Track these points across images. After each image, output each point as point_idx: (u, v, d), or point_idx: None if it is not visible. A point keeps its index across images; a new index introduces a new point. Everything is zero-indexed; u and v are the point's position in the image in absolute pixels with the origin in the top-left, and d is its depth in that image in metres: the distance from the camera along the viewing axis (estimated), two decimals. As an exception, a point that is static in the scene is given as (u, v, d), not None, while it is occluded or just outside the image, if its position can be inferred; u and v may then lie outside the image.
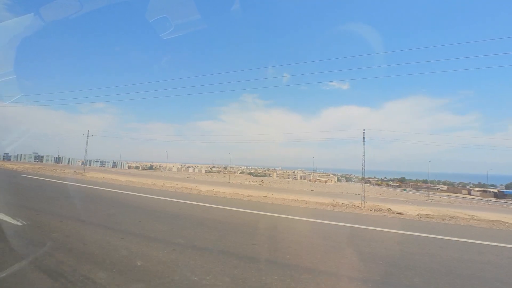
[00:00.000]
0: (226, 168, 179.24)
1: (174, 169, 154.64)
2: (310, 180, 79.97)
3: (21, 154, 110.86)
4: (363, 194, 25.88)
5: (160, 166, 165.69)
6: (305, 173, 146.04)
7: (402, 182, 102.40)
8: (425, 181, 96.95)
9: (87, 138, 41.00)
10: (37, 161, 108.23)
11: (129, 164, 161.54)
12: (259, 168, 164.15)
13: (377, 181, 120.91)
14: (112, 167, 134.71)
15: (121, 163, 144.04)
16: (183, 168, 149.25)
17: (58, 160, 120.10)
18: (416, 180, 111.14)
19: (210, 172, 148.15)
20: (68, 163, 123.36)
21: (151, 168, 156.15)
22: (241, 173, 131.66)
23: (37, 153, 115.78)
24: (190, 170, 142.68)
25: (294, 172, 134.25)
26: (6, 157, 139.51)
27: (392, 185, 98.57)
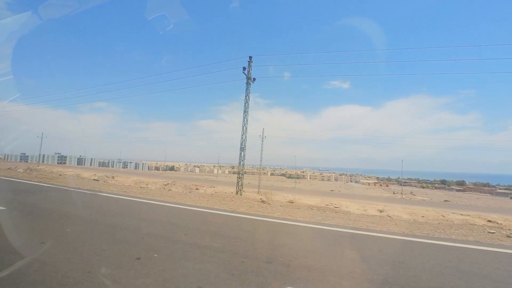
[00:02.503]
0: (233, 167, 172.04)
1: (197, 170, 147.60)
2: (375, 185, 71.79)
3: (43, 155, 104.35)
4: None
5: (165, 166, 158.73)
6: (327, 173, 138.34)
7: (461, 185, 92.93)
8: (485, 185, 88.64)
9: (262, 139, 29.39)
10: (61, 163, 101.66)
11: (148, 164, 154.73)
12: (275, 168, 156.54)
13: (422, 183, 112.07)
14: (135, 168, 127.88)
15: (143, 163, 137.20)
16: (207, 169, 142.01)
17: (80, 161, 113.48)
18: (471, 182, 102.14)
19: (235, 173, 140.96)
20: (91, 165, 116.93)
21: (172, 169, 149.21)
22: (271, 174, 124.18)
23: (60, 153, 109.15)
24: (215, 171, 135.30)
25: (330, 174, 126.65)
26: (24, 158, 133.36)
27: (453, 189, 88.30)
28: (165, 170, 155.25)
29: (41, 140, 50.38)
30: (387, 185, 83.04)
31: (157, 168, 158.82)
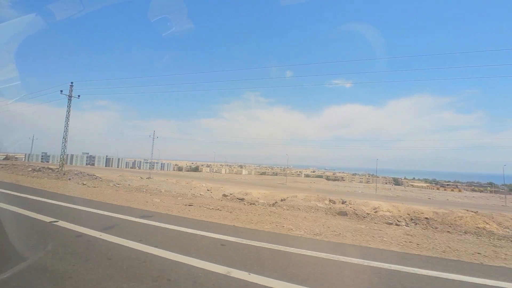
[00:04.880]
0: (241, 167, 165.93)
1: (223, 171, 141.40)
2: (448, 190, 64.58)
3: (71, 155, 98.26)
4: None
5: (189, 167, 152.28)
6: (368, 175, 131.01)
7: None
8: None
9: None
10: (88, 164, 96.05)
11: (172, 164, 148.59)
12: (272, 167, 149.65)
13: (474, 187, 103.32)
14: (161, 169, 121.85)
15: (168, 163, 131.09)
16: (235, 170, 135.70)
17: (107, 161, 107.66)
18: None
19: (262, 174, 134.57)
20: (118, 166, 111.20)
21: (196, 169, 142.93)
22: (306, 176, 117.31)
23: (88, 153, 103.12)
24: (244, 172, 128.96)
25: (369, 176, 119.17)
26: (45, 158, 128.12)
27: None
28: (188, 171, 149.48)
29: (153, 140, 42.30)
30: (460, 190, 75.26)
31: (179, 169, 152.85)
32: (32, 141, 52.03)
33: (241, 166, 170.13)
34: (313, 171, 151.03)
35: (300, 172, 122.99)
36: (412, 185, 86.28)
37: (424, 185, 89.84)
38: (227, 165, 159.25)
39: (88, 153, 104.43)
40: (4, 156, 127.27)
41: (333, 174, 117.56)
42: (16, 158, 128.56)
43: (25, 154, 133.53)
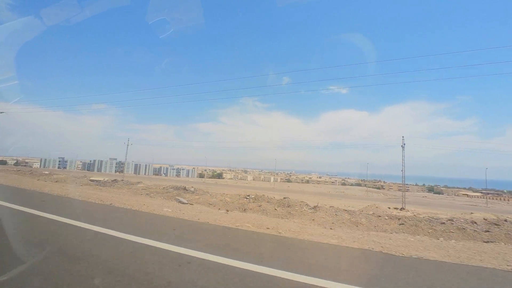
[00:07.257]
0: (246, 172, 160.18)
1: (249, 178, 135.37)
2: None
3: (100, 161, 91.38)
4: None
5: (211, 173, 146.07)
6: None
7: None
8: None
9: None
10: (118, 171, 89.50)
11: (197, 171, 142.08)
12: (282, 173, 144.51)
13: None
14: (186, 175, 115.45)
15: (192, 170, 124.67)
16: (261, 177, 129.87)
17: (136, 168, 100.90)
18: None
19: (289, 181, 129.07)
20: (145, 173, 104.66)
21: (220, 176, 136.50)
22: (343, 184, 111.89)
23: (115, 159, 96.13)
24: (272, 179, 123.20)
25: (409, 186, 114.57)
26: (62, 163, 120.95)
27: None
28: (210, 178, 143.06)
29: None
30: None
31: (201, 175, 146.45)
32: (127, 146, 45.81)
33: (245, 171, 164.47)
34: (320, 177, 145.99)
35: (307, 178, 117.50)
36: (466, 195, 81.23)
37: (474, 194, 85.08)
38: (230, 170, 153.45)
39: (116, 159, 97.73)
40: (15, 161, 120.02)
41: (373, 182, 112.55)
42: (26, 162, 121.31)
43: (41, 159, 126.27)
